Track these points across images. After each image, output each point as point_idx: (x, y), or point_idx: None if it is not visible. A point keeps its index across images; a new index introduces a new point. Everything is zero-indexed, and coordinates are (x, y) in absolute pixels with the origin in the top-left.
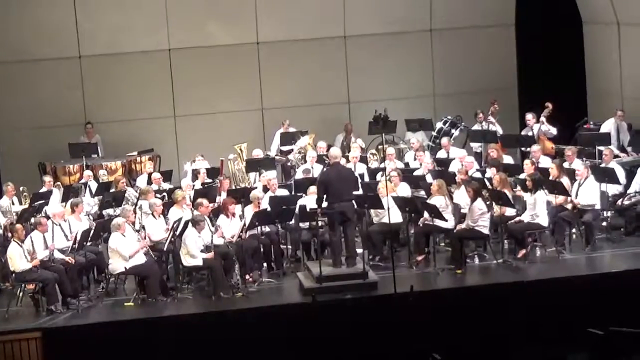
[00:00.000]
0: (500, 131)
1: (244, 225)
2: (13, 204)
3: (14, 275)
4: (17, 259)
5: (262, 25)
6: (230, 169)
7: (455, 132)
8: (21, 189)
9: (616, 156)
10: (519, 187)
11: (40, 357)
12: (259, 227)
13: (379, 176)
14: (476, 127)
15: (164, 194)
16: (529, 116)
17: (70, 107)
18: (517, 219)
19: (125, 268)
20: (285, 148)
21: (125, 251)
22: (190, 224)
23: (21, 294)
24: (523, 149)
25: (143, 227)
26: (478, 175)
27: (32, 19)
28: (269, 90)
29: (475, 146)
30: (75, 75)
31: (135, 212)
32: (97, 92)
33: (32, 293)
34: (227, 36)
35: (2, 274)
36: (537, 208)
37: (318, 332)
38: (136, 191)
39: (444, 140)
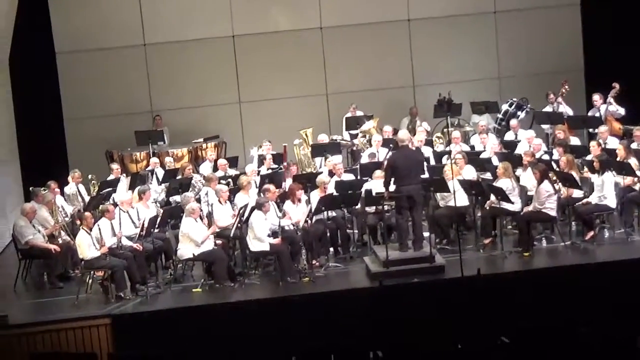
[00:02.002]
0: (570, 112)
1: (311, 210)
2: (79, 190)
3: (83, 262)
4: (86, 247)
5: (326, 10)
6: (296, 154)
7: (521, 114)
8: (89, 177)
9: None
10: (586, 169)
11: (109, 343)
12: (325, 212)
13: (444, 159)
14: (547, 108)
15: (229, 180)
16: (596, 97)
17: (136, 95)
18: (585, 200)
19: (193, 254)
20: (350, 132)
21: (197, 236)
22: (256, 208)
23: (90, 281)
24: (590, 130)
25: (208, 215)
26: (545, 157)
27: (97, 8)
28: (333, 75)
29: (546, 127)
30: (140, 64)
31: (200, 200)
32: (163, 80)
33: (101, 280)
34: (290, 22)
35: (71, 261)
36: (605, 189)
37: (385, 316)
38: (202, 177)
39: (513, 122)
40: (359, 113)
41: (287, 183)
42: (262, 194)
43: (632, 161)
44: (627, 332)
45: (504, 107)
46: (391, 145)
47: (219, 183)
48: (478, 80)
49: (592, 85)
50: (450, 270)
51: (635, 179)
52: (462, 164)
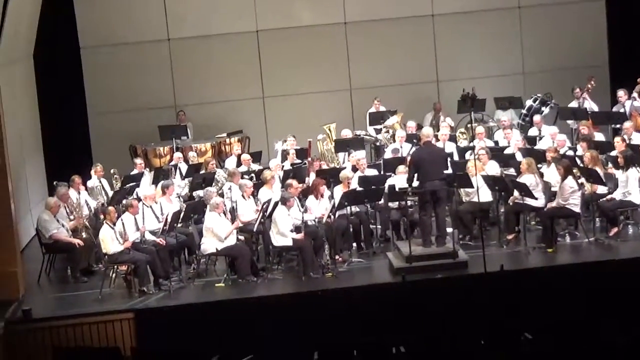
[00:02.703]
0: (595, 108)
1: (334, 205)
2: (102, 184)
3: (106, 257)
4: (109, 241)
5: (349, 4)
6: (319, 149)
7: (545, 110)
8: (112, 171)
9: None
10: (610, 165)
11: (133, 337)
12: (348, 207)
13: (468, 155)
14: (573, 103)
15: (252, 175)
16: (621, 92)
17: (160, 90)
18: (609, 196)
19: (217, 249)
20: (374, 127)
21: (221, 231)
22: (280, 203)
23: (114, 275)
24: (614, 125)
25: (231, 210)
26: (570, 153)
27: (121, 2)
28: (356, 70)
29: (570, 123)
30: (164, 58)
31: (223, 195)
32: (186, 75)
33: (124, 274)
34: (314, 17)
35: (95, 256)
36: (629, 185)
37: (408, 312)
38: (225, 172)
39: (537, 118)
40: (383, 108)
41: (311, 178)
42: (285, 189)
43: None
44: None
45: (528, 102)
46: (415, 140)
47: (242, 178)
48: (502, 75)
49: (617, 80)
50: (474, 266)
51: None
52: (486, 160)
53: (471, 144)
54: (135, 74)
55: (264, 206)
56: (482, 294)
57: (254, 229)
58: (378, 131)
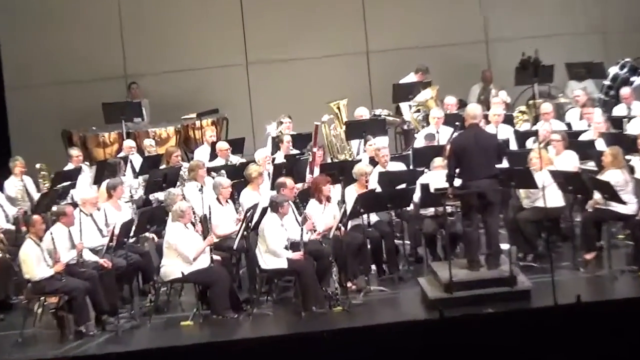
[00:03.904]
0: None
1: (345, 212)
2: (24, 185)
3: (29, 285)
4: (34, 263)
5: None
6: (325, 135)
7: (637, 80)
8: (38, 166)
9: None
10: None
11: None
12: (365, 216)
13: (530, 142)
14: None
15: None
16: None
17: (105, 55)
18: None
19: (183, 273)
20: (400, 105)
21: (188, 249)
22: (269, 210)
23: (40, 310)
24: None
25: (203, 219)
26: None
27: None
28: (376, 27)
29: None
30: (111, 11)
31: (184, 197)
32: (141, 34)
33: (54, 309)
34: None
35: (14, 283)
36: None
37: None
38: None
39: (625, 91)
40: (411, 78)
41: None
42: (277, 191)
43: None
44: None
45: (613, 70)
46: (456, 123)
47: (213, 174)
48: (576, 34)
49: None
50: (539, 296)
51: None
52: (559, 148)
53: (534, 128)
54: (70, 32)
55: (248, 214)
56: (550, 335)
57: (234, 246)
58: (405, 110)
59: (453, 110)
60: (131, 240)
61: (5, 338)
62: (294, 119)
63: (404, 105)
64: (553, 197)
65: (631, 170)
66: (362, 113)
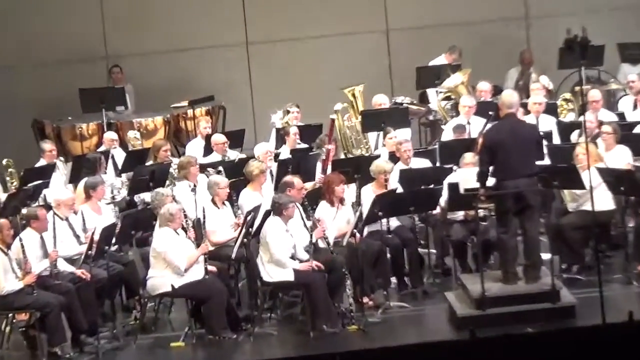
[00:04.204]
0: None
1: (360, 216)
2: None
3: None
4: (0, 275)
5: None
6: (338, 127)
7: None
8: (4, 162)
9: None
10: None
11: None
12: (384, 220)
13: (575, 136)
14: None
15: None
16: None
17: (83, 32)
18: None
19: (173, 287)
20: (425, 91)
21: (179, 259)
22: (272, 213)
23: (8, 329)
24: None
25: (196, 224)
26: None
27: None
28: (397, 1)
29: None
30: None
31: (174, 198)
32: (124, 11)
33: (24, 327)
34: None
35: None
36: None
37: None
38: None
39: None
40: (441, 61)
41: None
42: (282, 191)
43: None
44: None
45: None
46: (490, 112)
47: (209, 172)
48: (630, 8)
49: None
50: (585, 313)
51: None
52: (610, 143)
53: (581, 118)
54: (42, 6)
55: (248, 218)
56: (598, 358)
57: (232, 255)
58: (432, 97)
59: (487, 98)
60: (113, 249)
61: None
62: (302, 107)
63: (430, 92)
64: (602, 199)
65: None
66: (381, 101)
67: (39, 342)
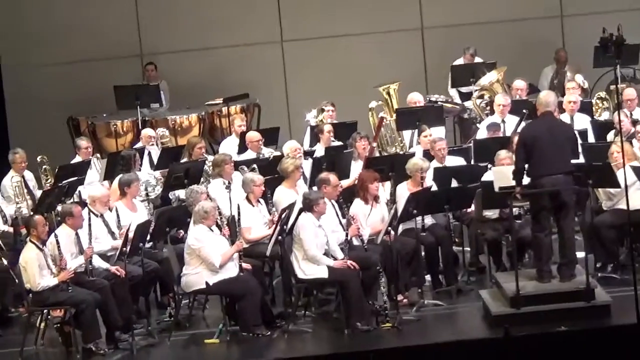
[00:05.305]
0: None
1: (395, 214)
2: (23, 181)
3: (31, 295)
4: (36, 271)
5: None
6: (372, 124)
7: None
8: (39, 159)
9: None
10: None
11: None
12: (419, 218)
13: (611, 135)
14: None
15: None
16: None
17: (118, 30)
18: None
19: (207, 284)
20: (460, 90)
21: (213, 256)
22: (304, 210)
23: (43, 325)
24: None
25: (230, 221)
26: None
27: None
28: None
29: None
30: None
31: (208, 196)
32: (158, 9)
33: (59, 324)
34: None
35: (13, 293)
36: None
37: None
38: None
39: None
40: (477, 59)
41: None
42: (318, 187)
43: None
44: None
45: None
46: (525, 111)
47: (244, 169)
48: None
49: None
50: (620, 312)
51: None
52: None
53: (616, 116)
54: (77, 3)
55: (283, 216)
56: (633, 357)
57: (267, 253)
58: (465, 96)
59: (522, 96)
60: (148, 246)
61: (3, 357)
62: (336, 105)
63: (452, 92)
64: (637, 198)
65: None
66: (416, 99)
67: (73, 339)
